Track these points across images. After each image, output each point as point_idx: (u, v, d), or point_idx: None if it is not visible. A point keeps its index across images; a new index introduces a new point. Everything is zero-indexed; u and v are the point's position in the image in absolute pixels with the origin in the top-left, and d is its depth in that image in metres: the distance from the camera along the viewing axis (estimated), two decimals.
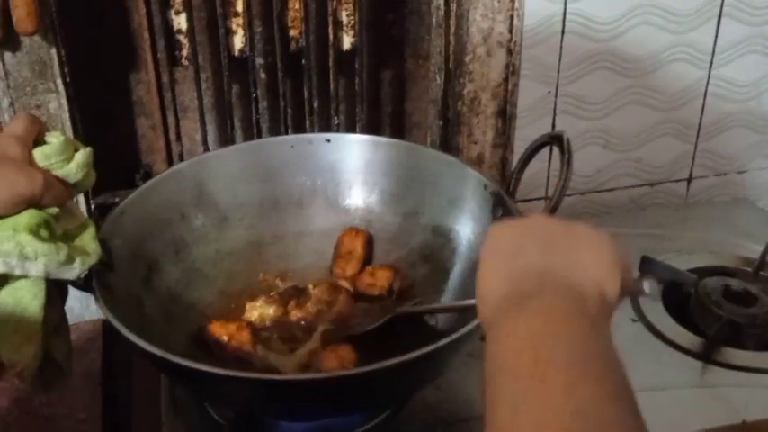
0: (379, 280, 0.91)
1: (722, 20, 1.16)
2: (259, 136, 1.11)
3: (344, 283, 0.92)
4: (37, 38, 0.94)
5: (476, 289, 0.59)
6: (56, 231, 0.71)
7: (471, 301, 0.75)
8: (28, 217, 0.69)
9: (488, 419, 0.49)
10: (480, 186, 0.90)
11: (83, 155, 0.74)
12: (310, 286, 0.91)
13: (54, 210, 0.71)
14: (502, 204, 0.87)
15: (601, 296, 0.56)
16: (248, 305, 0.89)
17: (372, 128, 1.17)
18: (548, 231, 0.61)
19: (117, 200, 1.03)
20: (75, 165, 0.73)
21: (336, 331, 0.86)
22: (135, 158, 1.16)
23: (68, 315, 0.78)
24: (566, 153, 0.83)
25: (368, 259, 0.95)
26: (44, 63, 0.97)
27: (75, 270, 0.72)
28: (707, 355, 0.95)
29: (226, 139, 1.13)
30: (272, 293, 0.91)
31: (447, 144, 1.17)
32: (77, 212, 0.76)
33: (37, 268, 0.69)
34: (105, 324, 1.05)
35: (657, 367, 0.94)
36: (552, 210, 0.82)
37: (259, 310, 0.89)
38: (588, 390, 0.47)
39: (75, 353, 0.79)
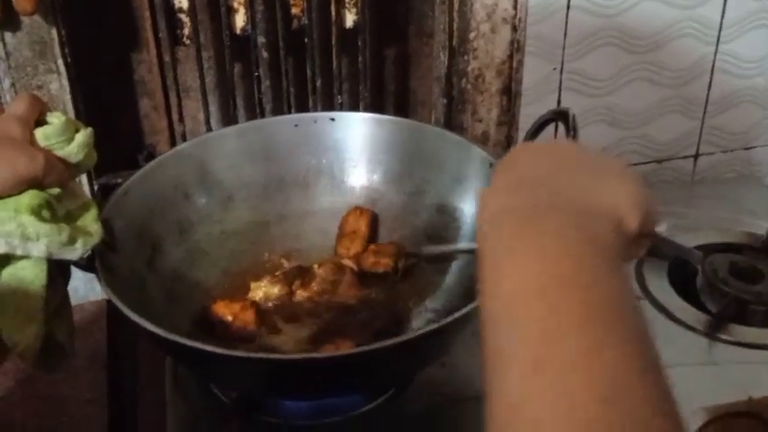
0: (383, 258, 0.91)
1: None
2: (262, 115, 1.10)
3: (349, 263, 0.92)
4: (37, 18, 0.94)
5: (478, 198, 0.54)
6: (58, 212, 0.71)
7: None
8: (29, 197, 0.68)
9: (493, 381, 0.43)
10: (486, 164, 0.89)
11: (84, 135, 0.73)
12: (315, 266, 0.91)
13: (55, 190, 0.71)
14: None
15: (617, 224, 0.51)
16: (253, 285, 0.89)
17: (376, 106, 1.16)
18: (570, 154, 0.58)
19: (120, 181, 1.02)
20: (77, 145, 0.72)
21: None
22: (138, 139, 1.15)
23: (73, 295, 0.77)
24: (571, 130, 0.82)
25: (372, 239, 0.95)
26: (44, 43, 0.96)
27: (78, 251, 0.71)
28: (713, 333, 0.95)
29: (228, 119, 1.12)
30: (276, 273, 0.90)
31: (451, 122, 1.16)
32: (79, 193, 0.76)
33: (39, 249, 0.69)
34: (110, 304, 1.05)
35: (663, 345, 0.93)
36: None
37: (264, 290, 0.88)
38: (613, 354, 0.42)
39: (79, 334, 0.79)
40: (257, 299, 0.87)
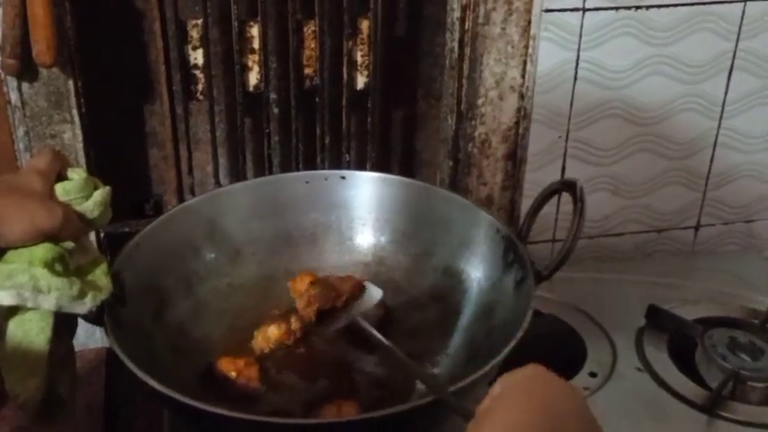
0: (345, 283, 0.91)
1: (733, 72, 1.17)
2: (270, 170, 1.12)
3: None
4: (55, 69, 0.95)
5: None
6: (69, 266, 0.71)
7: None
8: (44, 250, 0.69)
9: None
10: (492, 230, 0.90)
11: (101, 193, 0.74)
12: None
13: (70, 244, 0.71)
14: (513, 249, 0.87)
15: None
16: (255, 334, 0.89)
17: (382, 165, 1.18)
18: (568, 404, 0.60)
19: (126, 230, 1.03)
20: (94, 202, 0.74)
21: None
22: (145, 188, 1.16)
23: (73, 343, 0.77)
24: (578, 202, 0.83)
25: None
26: (61, 94, 0.98)
27: (87, 305, 0.72)
28: (711, 409, 0.95)
29: (237, 173, 1.13)
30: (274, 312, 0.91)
31: (456, 184, 1.18)
32: (90, 248, 0.76)
33: (49, 302, 0.69)
34: (109, 352, 1.05)
35: (661, 419, 0.94)
36: (564, 258, 0.82)
37: (264, 335, 0.89)
38: None
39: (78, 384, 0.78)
40: (260, 344, 0.88)
